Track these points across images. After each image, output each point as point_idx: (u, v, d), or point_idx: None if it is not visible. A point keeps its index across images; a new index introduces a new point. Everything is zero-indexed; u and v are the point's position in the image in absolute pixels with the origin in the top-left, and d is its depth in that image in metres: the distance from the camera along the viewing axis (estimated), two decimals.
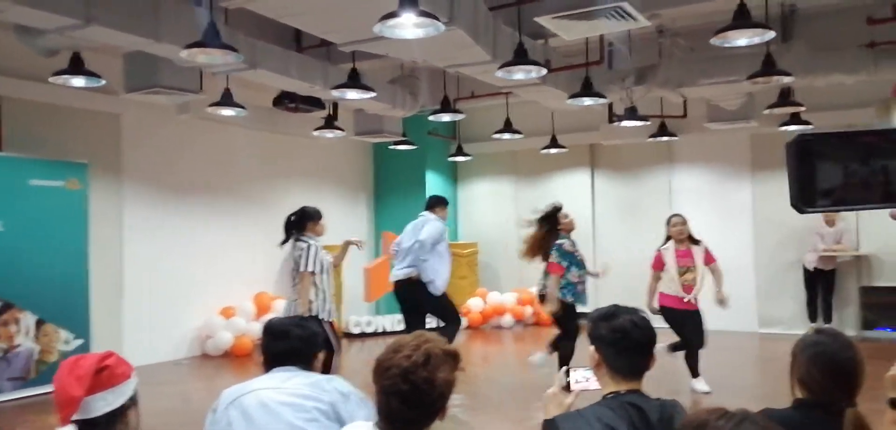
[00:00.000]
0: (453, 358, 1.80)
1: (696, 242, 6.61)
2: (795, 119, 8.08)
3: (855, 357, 2.00)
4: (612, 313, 2.01)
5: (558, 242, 6.48)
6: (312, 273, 5.65)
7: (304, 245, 5.76)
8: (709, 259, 6.58)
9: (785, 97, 7.67)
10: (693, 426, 1.30)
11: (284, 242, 5.98)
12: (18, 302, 6.47)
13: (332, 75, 6.90)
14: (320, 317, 5.62)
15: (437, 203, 6.79)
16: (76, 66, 5.68)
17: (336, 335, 5.92)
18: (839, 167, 0.71)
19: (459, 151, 10.81)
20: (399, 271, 6.57)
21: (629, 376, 1.97)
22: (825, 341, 2.03)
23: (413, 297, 6.51)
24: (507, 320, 10.69)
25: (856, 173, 0.71)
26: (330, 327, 5.75)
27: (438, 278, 6.43)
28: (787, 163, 0.72)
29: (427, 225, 6.54)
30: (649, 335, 2.00)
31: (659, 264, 6.54)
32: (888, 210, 0.75)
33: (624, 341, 1.96)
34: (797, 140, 0.71)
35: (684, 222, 6.62)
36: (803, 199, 0.71)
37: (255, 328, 8.51)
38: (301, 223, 5.91)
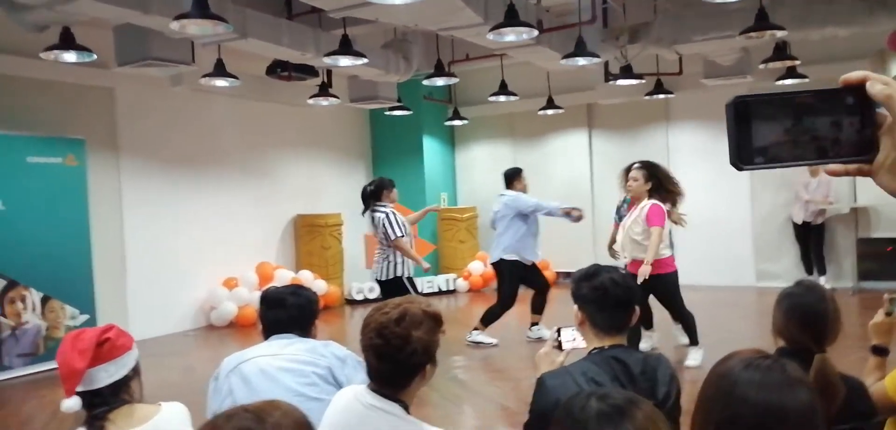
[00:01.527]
0: (433, 319, 1.86)
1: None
2: (791, 73, 8.07)
3: (827, 308, 2.08)
4: (594, 272, 2.09)
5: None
6: (401, 236, 6.27)
7: (382, 214, 6.30)
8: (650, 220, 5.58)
9: (780, 51, 7.65)
10: (719, 374, 1.35)
11: (364, 211, 6.57)
12: (23, 280, 6.54)
13: (323, 42, 6.87)
14: (405, 276, 6.34)
15: (514, 177, 7.21)
16: (67, 40, 5.67)
17: (417, 291, 6.65)
18: (775, 126, 0.75)
19: (456, 115, 10.80)
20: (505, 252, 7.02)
21: (611, 331, 2.05)
22: (799, 293, 2.11)
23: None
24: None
25: (790, 132, 0.75)
26: (410, 284, 6.44)
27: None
28: (727, 123, 0.76)
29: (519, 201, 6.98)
30: (629, 292, 2.08)
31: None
32: (823, 166, 0.77)
33: (604, 299, 2.04)
34: (734, 102, 0.75)
35: (637, 178, 5.71)
36: (740, 157, 0.75)
37: (258, 298, 8.59)
38: (378, 193, 6.45)
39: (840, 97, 0.76)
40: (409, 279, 6.48)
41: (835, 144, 0.75)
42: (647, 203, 5.59)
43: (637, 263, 5.50)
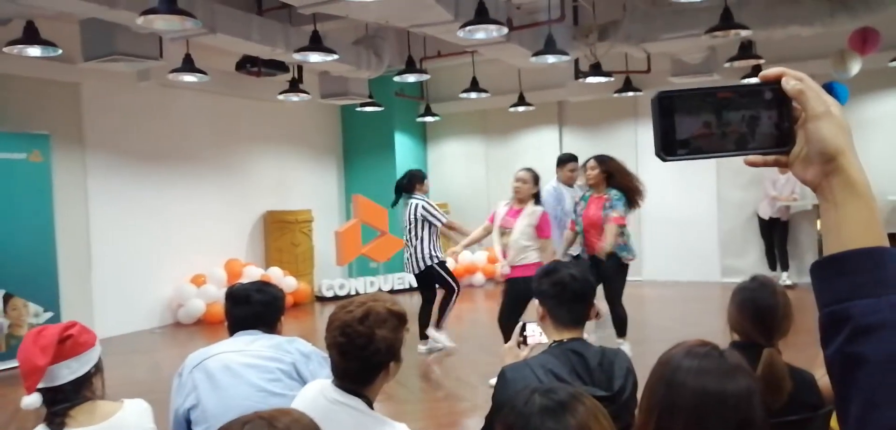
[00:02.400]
0: (397, 318, 1.88)
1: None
2: (756, 71, 8.23)
3: (777, 303, 2.14)
4: (553, 268, 2.15)
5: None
6: (446, 220, 6.63)
7: (419, 203, 6.55)
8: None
9: (745, 50, 7.80)
10: (662, 362, 1.39)
11: (395, 203, 6.90)
12: None
13: (293, 38, 6.85)
14: (436, 262, 6.49)
15: (560, 163, 6.78)
16: (31, 35, 5.58)
17: (455, 277, 6.77)
18: (697, 120, 0.79)
19: (428, 111, 10.82)
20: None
21: (570, 324, 2.10)
22: (752, 288, 2.19)
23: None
24: (479, 278, 10.85)
25: (712, 125, 0.79)
26: (442, 268, 6.61)
27: None
28: (652, 117, 0.80)
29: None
30: (586, 286, 2.14)
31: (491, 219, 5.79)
32: (743, 157, 0.82)
33: (564, 293, 2.09)
34: (659, 96, 0.79)
35: (526, 181, 5.56)
36: (664, 149, 0.79)
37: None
38: (410, 185, 6.71)
39: (759, 92, 0.79)
40: (441, 263, 6.59)
41: (754, 136, 0.79)
42: (537, 210, 5.41)
43: (516, 268, 5.35)
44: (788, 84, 0.79)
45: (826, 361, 0.76)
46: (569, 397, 1.20)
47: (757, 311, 2.13)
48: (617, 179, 5.82)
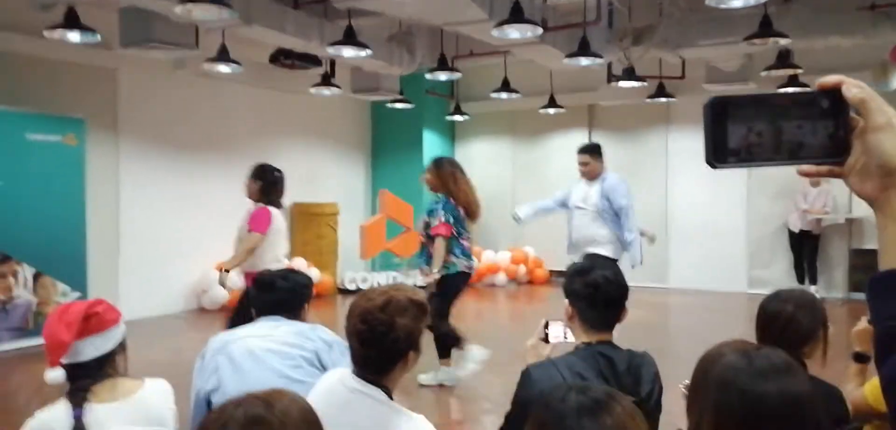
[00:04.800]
0: (418, 307, 1.87)
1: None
2: (794, 81, 8.06)
3: (778, 310, 2.10)
4: (587, 268, 2.09)
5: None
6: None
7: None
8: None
9: (783, 59, 7.65)
10: (711, 357, 1.36)
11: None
12: (16, 255, 6.54)
13: (328, 32, 6.87)
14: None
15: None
16: (71, 20, 5.67)
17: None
18: (750, 127, 0.77)
19: (457, 110, 10.79)
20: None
21: (600, 327, 2.05)
22: (769, 296, 2.16)
23: None
24: (501, 278, 10.81)
25: (765, 133, 0.77)
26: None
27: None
28: (704, 122, 0.78)
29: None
30: (620, 290, 2.08)
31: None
32: (796, 167, 0.79)
33: (596, 295, 2.04)
34: (712, 102, 0.77)
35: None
36: (715, 156, 0.77)
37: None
38: None
39: (815, 101, 0.77)
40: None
41: (808, 145, 0.77)
42: (254, 206, 4.94)
43: (249, 274, 4.76)
44: (850, 92, 0.76)
45: (882, 376, 0.73)
46: (606, 396, 1.17)
47: (761, 318, 2.11)
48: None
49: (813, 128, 0.76)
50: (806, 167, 0.78)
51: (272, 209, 4.87)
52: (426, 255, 5.26)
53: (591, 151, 5.91)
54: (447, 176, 5.33)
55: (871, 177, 0.76)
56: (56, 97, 7.34)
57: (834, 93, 0.76)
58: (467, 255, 5.32)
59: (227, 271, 4.84)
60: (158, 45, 6.31)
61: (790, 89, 7.85)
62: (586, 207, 5.76)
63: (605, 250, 5.59)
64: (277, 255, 4.93)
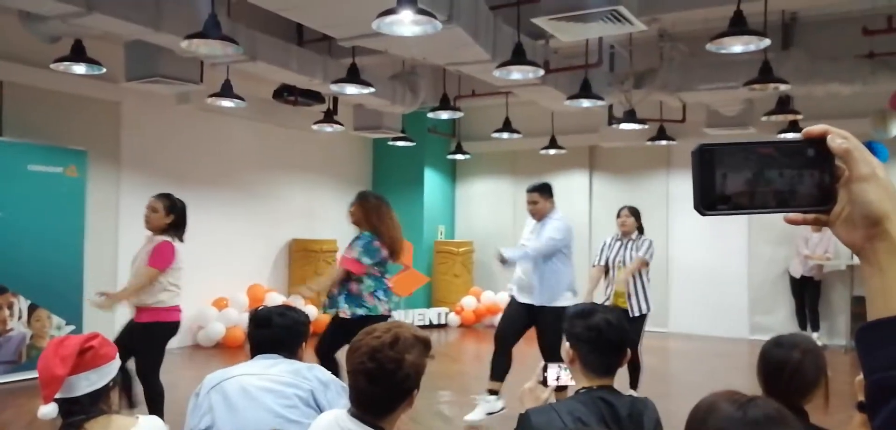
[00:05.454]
0: (423, 344, 1.85)
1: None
2: (793, 127, 8.10)
3: (785, 358, 2.07)
4: (589, 311, 2.06)
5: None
6: None
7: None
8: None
9: (784, 105, 7.70)
10: (704, 408, 1.34)
11: None
12: (13, 286, 6.51)
13: (331, 70, 6.93)
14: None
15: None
16: (78, 53, 5.72)
17: None
18: (738, 175, 0.77)
19: (459, 149, 10.84)
20: None
21: (601, 372, 2.02)
22: (771, 342, 2.13)
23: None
24: None
25: (752, 181, 0.77)
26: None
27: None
28: (692, 170, 0.78)
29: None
30: (622, 335, 2.05)
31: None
32: (783, 215, 0.79)
33: (598, 340, 2.01)
34: (700, 150, 0.77)
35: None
36: (704, 203, 0.77)
37: (247, 320, 8.55)
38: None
39: (801, 149, 0.78)
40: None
41: (795, 194, 0.77)
42: (157, 239, 4.72)
43: (141, 309, 4.66)
44: (835, 142, 0.77)
45: None
46: None
47: (768, 366, 2.08)
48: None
49: (799, 176, 0.77)
50: (793, 215, 0.79)
51: (177, 244, 4.69)
52: (346, 291, 5.06)
53: (541, 190, 5.67)
54: (372, 211, 5.19)
55: (856, 226, 0.76)
56: (59, 129, 7.36)
57: (820, 142, 0.77)
58: (390, 295, 5.19)
59: (108, 297, 4.66)
60: (163, 79, 6.36)
61: (778, 136, 7.91)
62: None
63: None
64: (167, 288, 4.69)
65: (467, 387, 6.81)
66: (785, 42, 7.46)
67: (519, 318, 5.47)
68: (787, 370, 2.04)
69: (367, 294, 5.01)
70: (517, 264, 5.51)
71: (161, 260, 4.58)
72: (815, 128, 0.78)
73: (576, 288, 5.64)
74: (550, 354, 5.20)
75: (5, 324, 6.47)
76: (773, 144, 0.77)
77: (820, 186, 0.77)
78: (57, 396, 1.91)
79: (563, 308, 5.21)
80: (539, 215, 5.62)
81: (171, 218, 4.72)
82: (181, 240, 4.76)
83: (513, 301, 5.64)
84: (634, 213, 6.08)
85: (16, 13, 5.55)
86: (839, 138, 0.77)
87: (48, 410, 1.89)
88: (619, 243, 6.04)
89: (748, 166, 0.76)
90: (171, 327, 4.69)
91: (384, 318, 4.95)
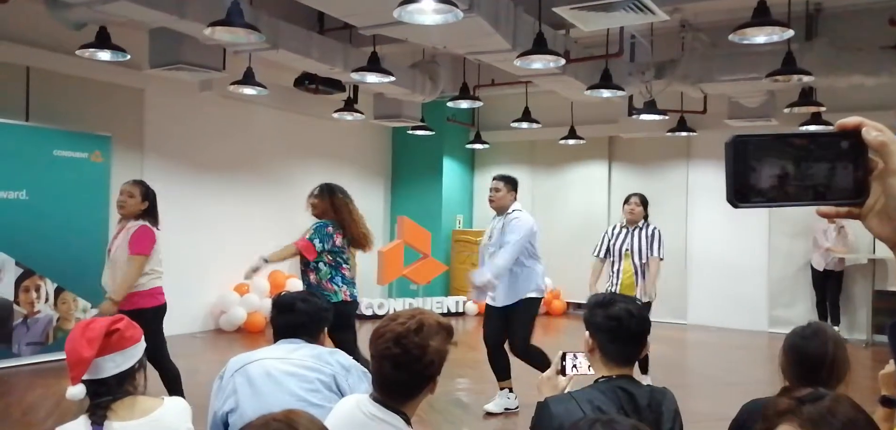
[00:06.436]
0: (446, 331, 1.88)
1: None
2: (816, 119, 8.01)
3: (822, 350, 2.06)
4: (610, 300, 2.06)
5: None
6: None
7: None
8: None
9: (806, 96, 7.61)
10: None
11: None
12: (39, 269, 6.63)
13: (352, 58, 6.95)
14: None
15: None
16: (103, 40, 5.79)
17: None
18: (771, 167, 0.76)
19: (478, 139, 10.84)
20: None
21: (621, 362, 2.02)
22: (802, 334, 2.11)
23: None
24: None
25: (786, 173, 0.76)
26: None
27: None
28: (725, 161, 0.78)
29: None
30: (643, 325, 2.05)
31: None
32: (815, 207, 0.79)
33: (618, 329, 2.01)
34: (733, 140, 0.76)
35: None
36: (737, 195, 0.76)
37: (269, 305, 8.63)
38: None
39: (835, 141, 0.77)
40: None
41: (828, 186, 0.77)
42: (134, 225, 4.64)
43: (132, 295, 4.51)
44: (870, 135, 0.76)
45: None
46: (632, 429, 1.16)
47: (804, 359, 2.06)
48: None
49: (832, 168, 0.76)
50: (825, 208, 0.78)
51: (153, 228, 4.68)
52: (307, 282, 5.14)
53: (506, 180, 5.43)
54: (340, 204, 5.22)
55: (889, 220, 0.76)
56: (84, 115, 7.47)
57: (854, 134, 0.76)
58: (350, 283, 5.16)
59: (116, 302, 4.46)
60: (186, 66, 6.42)
61: (811, 128, 7.76)
62: (490, 245, 5.39)
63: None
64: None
65: (485, 375, 6.81)
66: (809, 33, 7.36)
67: (498, 319, 5.41)
68: (825, 364, 2.03)
69: (325, 282, 5.03)
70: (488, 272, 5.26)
71: (144, 244, 4.57)
72: (850, 120, 0.77)
73: (543, 287, 5.51)
74: (521, 348, 5.27)
75: (33, 306, 6.60)
76: (806, 135, 0.77)
77: (853, 179, 0.76)
78: (84, 377, 1.95)
79: (531, 300, 5.29)
80: (499, 206, 5.39)
81: (146, 204, 4.71)
82: (157, 227, 4.74)
83: (487, 306, 5.58)
84: (643, 201, 6.11)
85: (42, 0, 5.64)
86: (874, 131, 0.76)
87: (76, 391, 1.93)
88: (625, 231, 6.04)
89: (781, 158, 0.75)
90: (155, 311, 4.61)
91: (346, 304, 5.02)
